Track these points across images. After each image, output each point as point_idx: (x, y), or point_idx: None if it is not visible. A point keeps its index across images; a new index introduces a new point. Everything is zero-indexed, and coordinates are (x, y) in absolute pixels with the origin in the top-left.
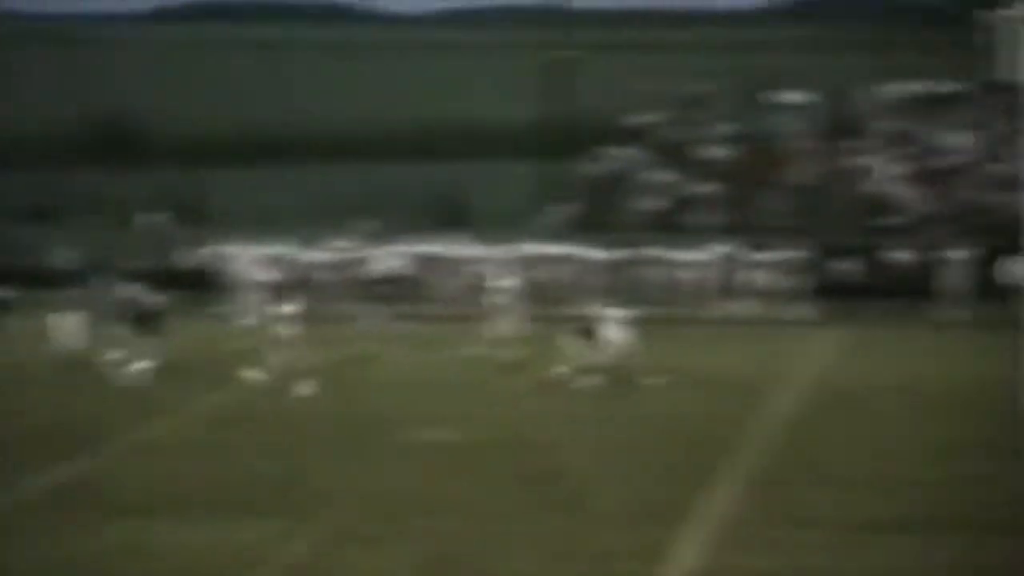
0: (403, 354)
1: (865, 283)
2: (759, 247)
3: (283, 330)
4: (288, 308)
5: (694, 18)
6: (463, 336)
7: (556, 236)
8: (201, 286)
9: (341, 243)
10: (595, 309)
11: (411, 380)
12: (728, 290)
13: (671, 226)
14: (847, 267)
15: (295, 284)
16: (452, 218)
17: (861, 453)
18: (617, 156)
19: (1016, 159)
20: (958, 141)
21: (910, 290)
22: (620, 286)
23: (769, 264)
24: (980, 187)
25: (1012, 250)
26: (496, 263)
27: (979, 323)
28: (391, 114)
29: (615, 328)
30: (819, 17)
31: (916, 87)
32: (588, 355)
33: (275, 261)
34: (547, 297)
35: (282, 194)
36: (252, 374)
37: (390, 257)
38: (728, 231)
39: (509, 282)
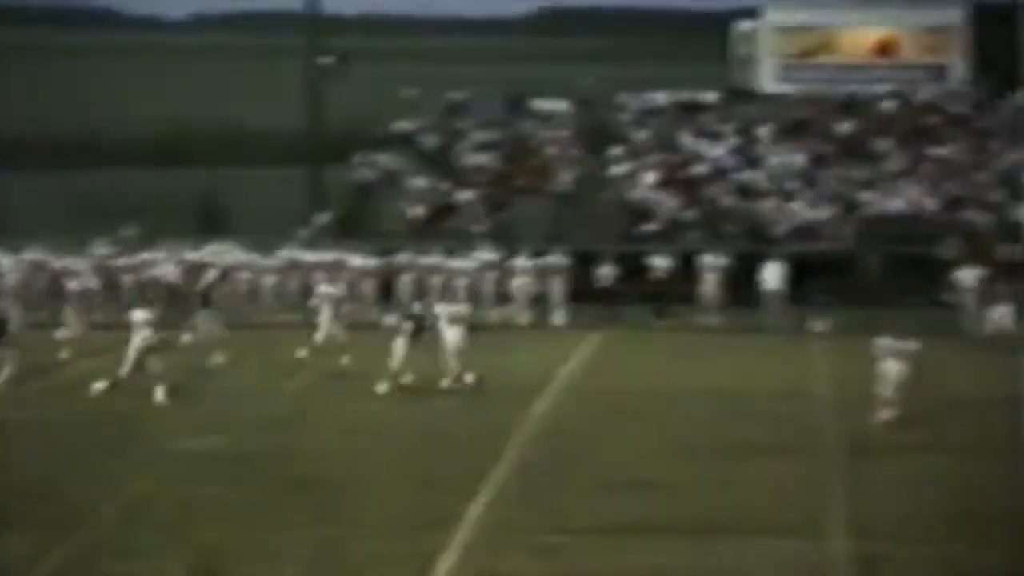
0: (233, 362)
1: (624, 289)
2: (519, 254)
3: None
4: (140, 314)
5: (454, 27)
6: (286, 342)
7: (321, 243)
8: None
9: (101, 249)
10: (424, 309)
11: (229, 387)
12: (489, 296)
13: (434, 233)
14: (606, 273)
15: (55, 291)
16: (217, 224)
17: (626, 456)
18: (380, 163)
19: (762, 165)
20: (712, 148)
21: (668, 295)
22: (386, 293)
23: (529, 270)
24: (733, 193)
25: (766, 256)
26: (265, 270)
27: (733, 328)
28: (153, 119)
29: (448, 328)
30: (579, 28)
31: (672, 95)
32: (412, 357)
33: (38, 268)
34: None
35: (38, 200)
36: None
37: (156, 264)
38: (489, 237)
39: (332, 288)
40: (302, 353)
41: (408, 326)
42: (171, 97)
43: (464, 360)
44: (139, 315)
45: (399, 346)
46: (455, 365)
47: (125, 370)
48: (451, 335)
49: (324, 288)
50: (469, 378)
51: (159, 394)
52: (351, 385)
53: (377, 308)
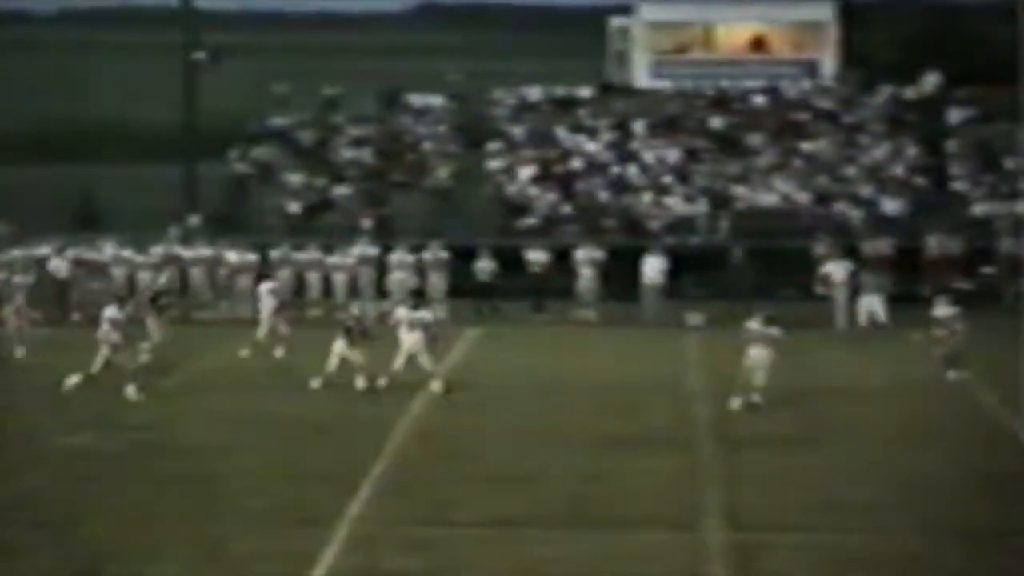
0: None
1: (502, 283)
2: (396, 249)
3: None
4: (111, 312)
5: (329, 22)
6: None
7: (197, 238)
8: None
9: None
10: (361, 310)
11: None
12: (367, 291)
13: (310, 227)
14: (483, 267)
15: None
16: (93, 221)
17: (504, 450)
18: (256, 156)
19: (637, 160)
20: (587, 143)
21: (546, 290)
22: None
23: (407, 265)
24: (609, 188)
25: (642, 250)
26: (144, 266)
27: (611, 321)
28: (27, 115)
29: (408, 332)
30: (454, 23)
31: (548, 91)
32: (354, 357)
33: None
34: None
35: None
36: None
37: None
38: (366, 232)
39: (272, 284)
40: (244, 352)
41: (346, 327)
42: (44, 93)
43: (413, 363)
44: (110, 312)
45: (338, 347)
46: (425, 363)
47: (97, 367)
48: (409, 339)
49: (264, 285)
50: (382, 381)
51: (131, 391)
52: (244, 380)
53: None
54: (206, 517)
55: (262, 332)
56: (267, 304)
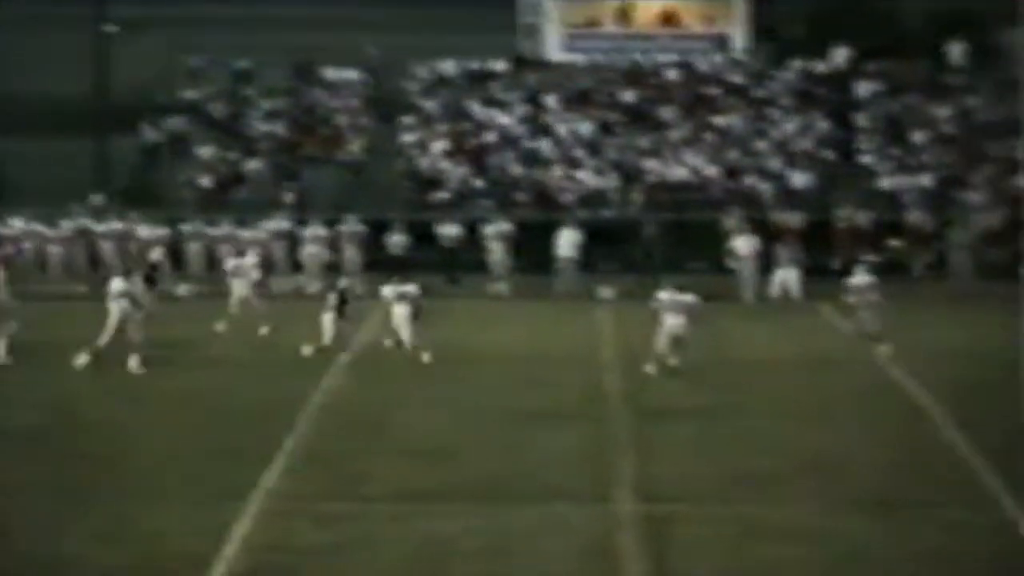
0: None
1: (415, 257)
2: (309, 223)
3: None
4: (118, 284)
5: None
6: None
7: (107, 213)
8: None
9: None
10: (348, 284)
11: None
12: (281, 265)
13: (222, 202)
14: (396, 241)
15: None
16: (4, 195)
17: (417, 424)
18: (168, 131)
19: (550, 134)
20: (501, 117)
21: (458, 263)
22: (176, 264)
23: (321, 239)
24: (520, 162)
25: (554, 224)
26: (54, 240)
27: (524, 295)
28: None
29: (396, 304)
30: None
31: (461, 64)
32: (337, 332)
33: None
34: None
35: None
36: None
37: None
38: (278, 207)
39: (250, 258)
40: (220, 326)
41: (333, 300)
42: None
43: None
44: (117, 285)
45: (327, 320)
46: (405, 336)
47: (105, 340)
48: (398, 310)
49: (236, 260)
50: (428, 357)
51: (133, 363)
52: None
53: (172, 277)
54: (116, 493)
55: (262, 307)
56: (251, 278)
